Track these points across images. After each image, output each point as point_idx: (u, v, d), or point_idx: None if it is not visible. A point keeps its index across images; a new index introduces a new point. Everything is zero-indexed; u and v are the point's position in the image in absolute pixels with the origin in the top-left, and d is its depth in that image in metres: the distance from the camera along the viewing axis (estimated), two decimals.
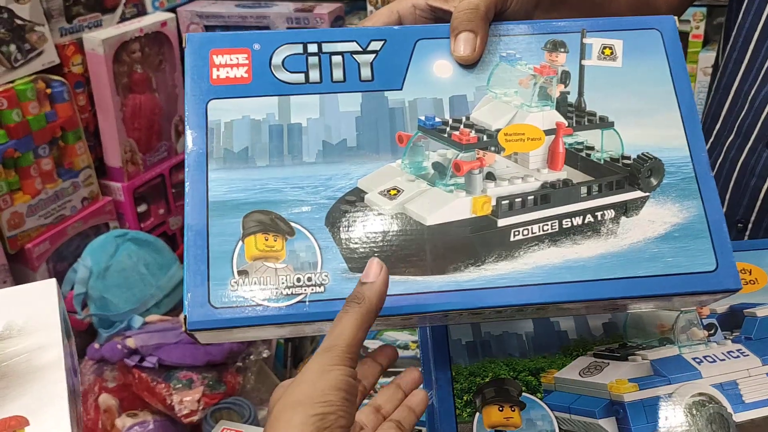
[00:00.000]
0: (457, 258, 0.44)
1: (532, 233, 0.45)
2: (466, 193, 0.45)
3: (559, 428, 0.49)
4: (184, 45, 0.48)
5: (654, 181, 0.47)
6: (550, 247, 0.45)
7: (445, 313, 0.44)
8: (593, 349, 0.53)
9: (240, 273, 0.42)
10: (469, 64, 0.48)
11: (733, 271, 0.45)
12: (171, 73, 1.58)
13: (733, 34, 0.70)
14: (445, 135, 0.47)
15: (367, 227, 0.44)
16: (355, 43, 0.48)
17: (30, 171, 1.30)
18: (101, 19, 1.45)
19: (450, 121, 0.47)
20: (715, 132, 0.72)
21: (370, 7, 1.56)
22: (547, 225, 0.46)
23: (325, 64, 0.48)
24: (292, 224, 0.44)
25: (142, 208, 1.54)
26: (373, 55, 0.48)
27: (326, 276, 0.43)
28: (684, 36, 1.46)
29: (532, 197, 0.46)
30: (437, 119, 0.47)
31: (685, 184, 0.47)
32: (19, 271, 1.32)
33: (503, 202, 0.45)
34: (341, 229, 0.44)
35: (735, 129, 0.69)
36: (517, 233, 0.45)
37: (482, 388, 0.51)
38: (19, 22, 1.27)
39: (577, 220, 0.46)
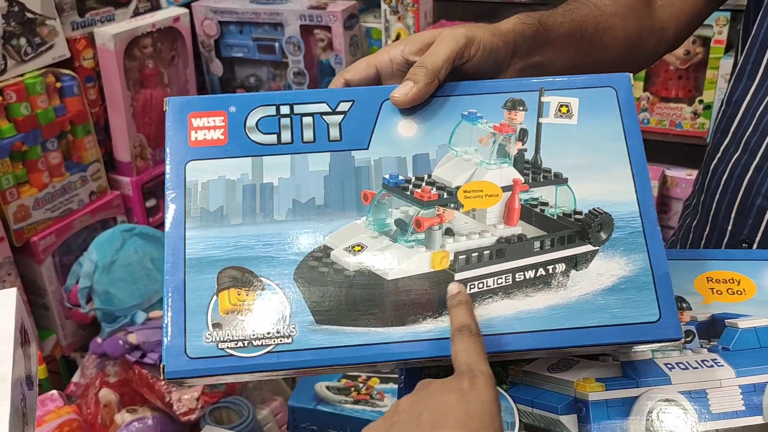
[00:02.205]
0: (416, 310, 0.48)
1: (487, 286, 0.49)
2: (426, 248, 0.49)
3: (520, 421, 0.50)
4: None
5: (603, 236, 0.50)
6: (504, 299, 0.48)
7: (405, 361, 0.48)
8: None
9: (214, 326, 0.46)
10: (403, 108, 0.51)
11: (674, 321, 0.48)
12: (183, 68, 1.61)
13: (746, 48, 0.70)
14: (408, 192, 0.50)
15: (333, 282, 0.48)
16: (325, 104, 0.51)
17: (38, 164, 1.34)
18: (114, 13, 1.47)
19: (413, 179, 0.50)
20: (722, 147, 0.71)
21: (384, 6, 1.56)
22: (501, 278, 0.49)
23: (296, 125, 0.51)
24: (263, 279, 0.48)
25: (150, 202, 1.58)
26: (341, 116, 0.51)
27: (294, 328, 0.47)
28: (706, 41, 1.45)
29: (488, 252, 0.49)
30: (401, 177, 0.50)
31: (633, 238, 0.50)
32: (25, 264, 1.37)
33: (460, 257, 0.49)
34: (308, 283, 0.48)
35: (742, 145, 0.68)
36: (472, 286, 0.49)
37: (449, 374, 0.53)
38: (30, 15, 1.30)
39: (530, 274, 0.49)
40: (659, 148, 1.55)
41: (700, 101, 1.49)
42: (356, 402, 1.16)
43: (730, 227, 0.69)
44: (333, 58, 1.61)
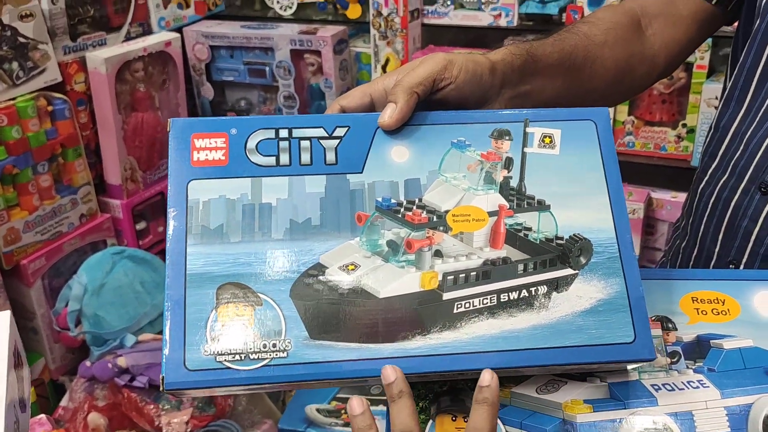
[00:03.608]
0: (406, 328, 0.50)
1: (473, 306, 0.51)
2: (416, 268, 0.51)
3: None
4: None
5: (583, 260, 0.53)
6: (489, 318, 0.51)
7: None
8: None
9: (212, 339, 0.48)
10: (391, 130, 0.54)
11: (648, 342, 0.51)
12: (174, 92, 1.63)
13: (735, 72, 0.71)
14: (399, 215, 0.53)
15: (327, 299, 0.50)
16: (322, 129, 0.54)
17: (28, 187, 1.35)
18: (106, 37, 1.50)
19: (404, 203, 0.53)
20: (710, 170, 0.73)
21: (373, 31, 1.61)
22: (487, 299, 0.52)
23: (294, 148, 0.54)
24: (261, 295, 0.50)
25: (141, 225, 1.59)
26: (337, 141, 0.54)
27: (289, 342, 0.49)
28: (689, 66, 1.50)
29: (475, 273, 0.52)
30: (393, 200, 0.53)
31: (610, 263, 0.52)
32: (14, 287, 1.37)
33: (449, 278, 0.51)
34: (304, 300, 0.50)
35: (730, 168, 0.70)
36: (459, 306, 0.51)
37: (438, 395, 0.53)
38: (22, 40, 1.32)
39: (514, 295, 0.52)
40: (644, 171, 1.59)
41: (684, 125, 1.55)
42: (346, 424, 1.17)
43: (717, 249, 0.71)
44: (323, 82, 1.65)
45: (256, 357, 0.48)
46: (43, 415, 1.24)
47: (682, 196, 1.61)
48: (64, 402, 1.38)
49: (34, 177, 1.37)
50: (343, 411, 1.21)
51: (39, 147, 1.36)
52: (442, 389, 0.53)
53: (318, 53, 1.63)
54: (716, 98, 1.49)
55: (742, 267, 0.69)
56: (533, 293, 0.52)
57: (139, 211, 1.58)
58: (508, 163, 0.55)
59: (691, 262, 0.76)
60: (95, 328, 1.37)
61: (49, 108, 1.38)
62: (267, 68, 1.69)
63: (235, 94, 1.80)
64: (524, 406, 0.53)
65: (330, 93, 1.65)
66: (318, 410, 1.20)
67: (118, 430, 1.29)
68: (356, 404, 0.49)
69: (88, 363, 1.35)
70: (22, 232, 1.35)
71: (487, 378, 0.48)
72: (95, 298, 1.38)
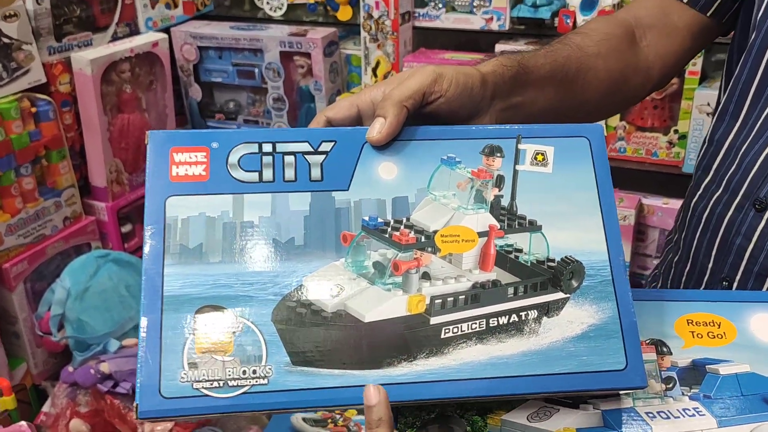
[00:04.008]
0: (391, 353, 0.48)
1: (462, 331, 0.50)
2: (403, 291, 0.50)
3: None
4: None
5: (575, 284, 0.51)
6: (477, 344, 0.49)
7: None
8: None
9: (190, 365, 0.46)
10: (380, 145, 0.52)
11: (640, 369, 0.49)
12: (162, 93, 1.61)
13: (730, 86, 0.70)
14: (386, 235, 0.51)
15: (310, 323, 0.48)
16: (307, 143, 0.52)
17: (11, 190, 1.33)
18: (92, 38, 1.47)
19: (391, 222, 0.51)
20: (704, 185, 0.72)
21: (364, 33, 1.59)
22: (476, 323, 0.50)
23: (278, 163, 0.52)
24: (241, 319, 0.48)
25: (126, 228, 1.57)
26: (323, 156, 0.52)
27: (270, 369, 0.47)
28: (681, 72, 1.49)
29: (463, 297, 0.50)
30: (380, 220, 0.51)
31: (602, 287, 0.51)
32: None
33: (436, 301, 0.50)
34: (286, 324, 0.48)
35: (723, 184, 0.69)
36: (447, 331, 0.49)
37: (426, 423, 0.51)
38: (5, 40, 1.30)
39: (503, 320, 0.50)
40: (635, 177, 1.59)
41: (675, 131, 1.54)
42: None
43: (710, 265, 0.70)
44: (312, 84, 1.63)
45: (235, 384, 0.46)
46: (24, 423, 1.22)
47: (673, 203, 1.60)
48: (46, 408, 1.35)
49: (17, 179, 1.34)
50: (329, 420, 1.19)
51: (22, 149, 1.33)
52: (430, 416, 0.51)
53: (308, 55, 1.61)
54: (708, 104, 1.48)
55: (735, 284, 0.67)
56: (523, 318, 0.50)
57: (124, 214, 1.56)
58: (500, 181, 0.53)
59: (684, 277, 0.74)
60: (78, 333, 1.34)
61: (33, 109, 1.35)
62: (256, 70, 1.67)
63: (224, 95, 1.78)
64: None
65: (320, 95, 1.63)
66: (304, 419, 1.19)
67: None
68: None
69: (70, 368, 1.32)
70: (4, 235, 1.32)
71: (374, 395, 0.45)
72: (78, 302, 1.36)
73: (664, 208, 1.60)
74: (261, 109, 1.75)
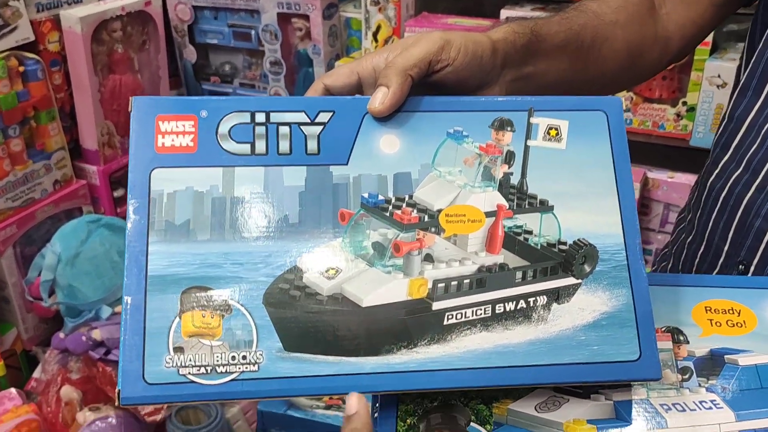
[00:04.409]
0: (390, 340, 0.45)
1: (466, 317, 0.47)
2: (404, 274, 0.47)
3: None
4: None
5: (587, 268, 0.48)
6: (482, 331, 0.46)
7: (376, 393, 0.45)
8: None
9: (175, 350, 0.44)
10: (382, 116, 0.48)
11: (655, 360, 0.46)
12: (155, 54, 1.56)
13: (753, 61, 0.67)
14: (387, 214, 0.47)
15: (304, 307, 0.45)
16: (303, 113, 0.49)
17: None
18: None
19: (393, 200, 0.48)
20: (722, 163, 0.69)
21: None
22: (481, 310, 0.47)
23: (272, 135, 0.48)
24: (230, 301, 0.45)
25: (118, 192, 1.53)
26: (320, 127, 0.48)
27: (261, 355, 0.44)
28: None
29: (468, 281, 0.47)
30: (380, 197, 0.48)
31: (617, 272, 0.48)
32: None
33: (439, 285, 0.47)
34: (278, 307, 0.45)
35: (744, 163, 0.65)
36: (450, 317, 0.46)
37: (428, 412, 0.48)
38: None
39: (510, 306, 0.47)
40: (641, 149, 1.54)
41: (684, 103, 1.50)
42: (328, 407, 1.13)
43: (726, 247, 0.67)
44: (311, 48, 1.58)
45: (223, 370, 0.44)
46: (13, 389, 1.21)
47: (679, 176, 1.57)
48: (36, 374, 1.33)
49: (5, 141, 1.31)
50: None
51: (10, 109, 1.29)
52: (433, 404, 0.49)
53: (306, 17, 1.55)
54: (719, 77, 1.44)
55: (752, 269, 0.64)
56: (531, 304, 0.47)
57: (116, 178, 1.52)
58: (509, 158, 0.49)
59: (697, 259, 0.71)
60: (69, 299, 1.32)
61: (21, 68, 1.31)
62: (253, 32, 1.61)
63: (219, 57, 1.72)
64: (522, 426, 0.48)
65: (318, 60, 1.57)
66: None
67: (92, 404, 1.25)
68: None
69: (61, 335, 1.30)
70: None
71: (354, 405, 0.43)
72: (69, 267, 1.33)
73: (670, 182, 1.57)
74: (257, 73, 1.69)
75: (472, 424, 0.48)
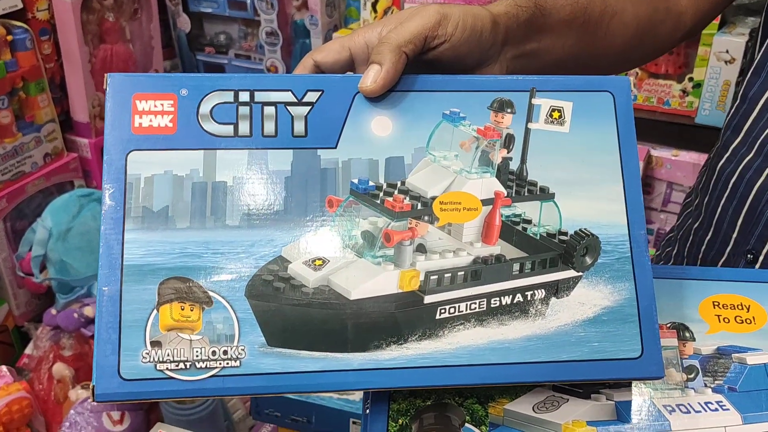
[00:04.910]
0: (380, 335, 0.43)
1: (459, 312, 0.44)
2: (395, 266, 0.44)
3: None
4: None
5: (589, 260, 0.46)
6: (476, 327, 0.44)
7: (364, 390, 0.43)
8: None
9: (153, 344, 0.41)
10: (374, 96, 0.45)
11: (657, 358, 0.44)
12: (147, 23, 1.52)
13: None
14: (378, 201, 0.45)
15: (288, 300, 0.43)
16: (290, 92, 0.46)
17: None
18: None
19: (384, 186, 0.45)
20: (732, 146, 0.66)
21: None
22: (475, 304, 0.45)
23: (256, 115, 0.45)
24: (211, 293, 0.42)
25: None
26: (308, 108, 0.45)
27: (243, 350, 0.42)
28: None
29: (462, 273, 0.45)
30: (371, 183, 0.45)
31: (620, 264, 0.45)
32: None
33: (432, 278, 0.44)
34: (261, 300, 0.43)
35: (756, 147, 0.62)
36: (443, 311, 0.44)
37: (421, 412, 0.47)
38: None
39: (506, 300, 0.45)
40: (645, 126, 1.51)
41: (690, 79, 1.46)
42: None
43: (735, 235, 0.64)
44: (308, 18, 1.53)
45: (203, 366, 0.41)
46: (3, 367, 1.19)
47: (683, 155, 1.54)
48: (28, 350, 1.32)
49: None
50: None
51: None
52: (426, 404, 0.46)
53: None
54: (727, 52, 1.40)
55: (762, 258, 0.62)
56: (529, 298, 0.45)
57: None
58: (509, 141, 0.47)
59: (704, 246, 0.69)
60: (61, 275, 1.30)
61: (9, 37, 1.27)
62: (248, 0, 1.56)
63: (214, 27, 1.68)
64: (519, 427, 0.46)
65: (315, 30, 1.53)
66: None
67: (84, 381, 1.24)
68: None
69: (53, 311, 1.29)
70: None
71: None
72: (61, 243, 1.31)
73: (674, 160, 1.54)
74: (253, 44, 1.65)
75: (466, 424, 0.46)
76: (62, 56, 1.38)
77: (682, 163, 1.53)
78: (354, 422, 1.08)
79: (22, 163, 1.34)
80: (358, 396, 1.10)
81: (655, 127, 1.53)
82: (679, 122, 1.49)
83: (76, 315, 1.24)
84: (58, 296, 1.30)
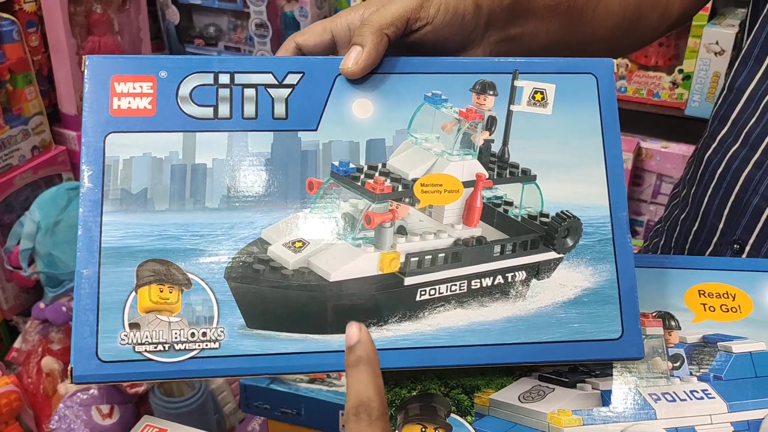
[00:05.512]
0: (359, 317, 0.43)
1: (439, 293, 0.44)
2: (375, 247, 0.44)
3: None
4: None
5: (570, 242, 0.45)
6: (456, 308, 0.44)
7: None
8: (539, 370, 0.48)
9: (131, 326, 0.41)
10: (355, 78, 0.45)
11: (638, 339, 0.44)
12: (136, 14, 1.51)
13: (756, 27, 0.63)
14: (359, 183, 0.45)
15: (268, 281, 0.43)
16: (270, 74, 0.45)
17: None
18: None
19: (365, 168, 0.45)
20: (719, 136, 0.65)
21: None
22: (456, 285, 0.44)
23: (236, 97, 0.45)
24: (190, 275, 0.42)
25: None
26: (288, 90, 0.45)
27: (222, 332, 0.42)
28: None
29: (443, 255, 0.44)
30: (352, 165, 0.45)
31: (601, 246, 0.45)
32: None
33: (412, 260, 0.44)
34: (241, 282, 0.42)
35: (742, 137, 0.62)
36: (423, 293, 0.44)
37: (406, 402, 0.47)
38: None
39: (487, 281, 0.45)
40: (635, 118, 1.51)
41: (680, 70, 1.46)
42: (312, 381, 1.11)
43: (721, 225, 0.64)
44: (298, 10, 1.53)
45: (182, 348, 0.41)
46: None
47: (673, 147, 1.54)
48: (17, 344, 1.31)
49: None
50: None
51: None
52: (411, 394, 0.46)
53: None
54: (717, 43, 1.40)
55: (748, 248, 0.62)
56: (509, 280, 0.45)
57: None
58: (491, 123, 0.46)
59: (691, 236, 0.69)
60: (49, 269, 1.29)
61: None
62: None
63: (204, 19, 1.67)
64: (505, 417, 0.46)
65: (305, 22, 1.52)
66: None
67: None
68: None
69: (42, 305, 1.28)
70: None
71: (355, 333, 0.38)
72: (49, 236, 1.30)
73: (663, 152, 1.54)
74: (243, 36, 1.64)
75: (452, 415, 0.46)
76: (50, 48, 1.37)
77: (671, 155, 1.53)
78: (343, 414, 1.08)
79: (9, 156, 1.33)
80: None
81: (644, 119, 1.54)
82: (669, 114, 1.50)
83: (64, 308, 1.24)
84: (47, 290, 1.29)
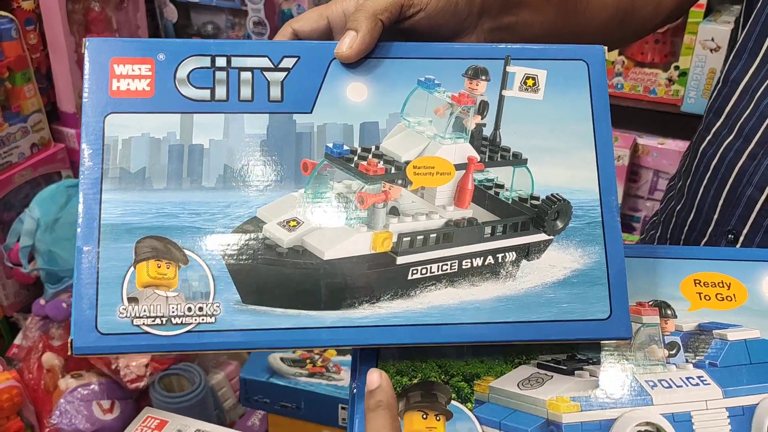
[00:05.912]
0: (352, 294, 0.44)
1: (431, 272, 0.45)
2: (368, 227, 0.45)
3: None
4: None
5: (560, 224, 0.46)
6: (447, 287, 0.45)
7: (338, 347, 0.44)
8: (538, 358, 0.48)
9: (130, 300, 0.42)
10: (350, 62, 0.46)
11: (625, 319, 0.45)
12: (134, 12, 1.52)
13: (750, 21, 0.64)
14: (352, 164, 0.45)
15: (263, 259, 0.44)
16: (266, 58, 0.46)
17: None
18: None
19: (359, 150, 0.46)
20: (714, 129, 0.66)
21: None
22: (447, 265, 0.45)
23: (233, 80, 0.46)
24: (187, 252, 0.43)
25: None
26: (284, 73, 0.46)
27: (218, 307, 0.43)
28: None
29: (434, 235, 0.45)
30: (345, 147, 0.46)
31: (591, 228, 0.46)
32: None
33: (404, 239, 0.45)
34: (236, 259, 0.43)
35: (736, 129, 0.63)
36: (415, 272, 0.45)
37: (408, 390, 0.47)
38: None
39: (478, 261, 0.46)
40: (632, 115, 1.53)
41: (676, 67, 1.47)
42: (311, 375, 1.12)
43: (716, 216, 0.65)
44: (295, 8, 1.54)
45: (179, 321, 0.42)
46: None
47: (669, 143, 1.55)
48: (18, 340, 1.32)
49: None
50: (308, 361, 1.16)
51: None
52: (412, 382, 0.47)
53: None
54: (712, 40, 1.41)
55: (742, 238, 0.63)
56: (500, 260, 0.46)
57: None
58: (483, 108, 0.47)
59: (686, 227, 0.70)
60: (49, 265, 1.30)
61: None
62: None
63: (201, 17, 1.68)
64: (504, 404, 0.47)
65: None
66: (282, 359, 1.16)
67: (74, 371, 1.24)
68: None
69: (42, 301, 1.28)
70: None
71: (375, 380, 0.43)
72: (49, 233, 1.30)
73: (660, 148, 1.55)
74: (241, 33, 1.65)
75: (452, 402, 0.47)
76: (48, 46, 1.38)
77: (668, 151, 1.54)
78: (343, 407, 1.08)
79: (8, 153, 1.34)
80: (346, 382, 1.10)
81: (641, 116, 1.55)
82: (666, 110, 1.51)
83: (65, 305, 1.24)
84: (47, 286, 1.30)
